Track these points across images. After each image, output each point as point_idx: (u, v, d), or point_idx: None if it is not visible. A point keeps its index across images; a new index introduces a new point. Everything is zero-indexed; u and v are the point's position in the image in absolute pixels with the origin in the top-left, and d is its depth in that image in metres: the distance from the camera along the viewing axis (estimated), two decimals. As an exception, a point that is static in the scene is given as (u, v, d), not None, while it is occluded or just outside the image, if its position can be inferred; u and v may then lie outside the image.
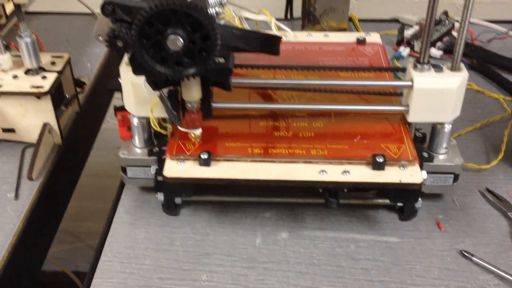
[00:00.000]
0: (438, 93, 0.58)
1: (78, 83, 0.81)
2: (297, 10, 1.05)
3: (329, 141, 0.60)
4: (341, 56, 0.73)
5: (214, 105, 0.60)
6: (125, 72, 0.58)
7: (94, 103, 0.86)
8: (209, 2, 0.52)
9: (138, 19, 0.48)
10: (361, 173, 0.57)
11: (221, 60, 0.55)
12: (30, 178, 0.69)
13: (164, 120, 0.62)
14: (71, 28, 1.02)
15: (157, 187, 0.62)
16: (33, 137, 0.73)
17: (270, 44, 0.63)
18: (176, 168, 0.58)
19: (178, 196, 0.63)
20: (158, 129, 0.60)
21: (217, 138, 0.61)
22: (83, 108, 0.82)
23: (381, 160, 0.57)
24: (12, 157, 0.73)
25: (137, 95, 0.59)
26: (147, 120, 0.62)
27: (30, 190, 0.69)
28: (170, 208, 0.65)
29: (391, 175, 0.57)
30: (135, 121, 0.63)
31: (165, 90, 0.57)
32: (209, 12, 0.49)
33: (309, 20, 0.93)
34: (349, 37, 0.77)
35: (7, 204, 0.66)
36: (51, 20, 1.04)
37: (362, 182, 0.57)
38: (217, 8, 0.51)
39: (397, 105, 0.63)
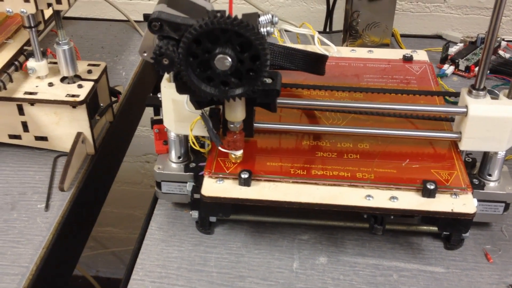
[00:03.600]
0: (494, 121, 0.55)
1: (113, 92, 0.79)
2: (337, 23, 1.02)
3: (376, 164, 0.57)
4: (387, 74, 0.70)
5: (256, 125, 0.57)
6: (166, 89, 0.56)
7: (128, 113, 0.84)
8: (260, 21, 0.49)
9: (187, 37, 0.46)
10: (410, 200, 0.54)
11: (269, 80, 0.52)
12: (61, 188, 0.67)
13: (202, 136, 0.60)
14: (106, 35, 1.01)
15: (193, 204, 0.60)
16: (66, 146, 0.71)
17: (316, 63, 0.61)
18: (215, 187, 0.56)
19: (215, 215, 0.60)
20: (197, 148, 0.58)
21: (257, 157, 0.58)
22: (117, 117, 0.80)
23: (432, 187, 0.54)
24: (44, 166, 0.72)
25: (177, 112, 0.57)
26: (185, 134, 0.60)
27: (61, 201, 0.67)
28: (205, 226, 0.62)
29: (443, 203, 0.54)
30: (172, 136, 0.61)
31: (206, 108, 0.55)
32: (260, 31, 0.47)
33: (351, 34, 0.90)
34: (395, 54, 0.74)
35: (37, 215, 0.65)
36: (86, 26, 1.03)
37: (411, 210, 0.53)
38: (268, 28, 0.49)
39: (448, 131, 0.60)
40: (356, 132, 0.59)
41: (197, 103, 0.53)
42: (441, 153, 0.59)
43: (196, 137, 0.60)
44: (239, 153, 0.56)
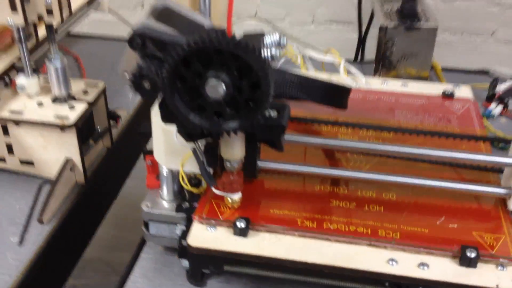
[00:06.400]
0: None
1: (113, 116, 0.71)
2: (370, 52, 0.93)
3: (404, 220, 0.47)
4: (423, 112, 0.60)
5: (260, 164, 0.48)
6: (157, 116, 0.47)
7: (130, 140, 0.76)
8: (265, 41, 0.40)
9: (172, 57, 0.37)
10: (444, 269, 0.43)
11: (273, 113, 0.43)
12: (40, 221, 0.59)
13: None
14: (118, 55, 0.93)
15: (181, 252, 0.51)
16: (53, 172, 0.63)
17: (337, 96, 0.51)
18: (205, 236, 0.46)
19: (204, 268, 0.51)
20: (188, 187, 0.49)
21: (258, 202, 0.49)
22: (116, 144, 0.72)
23: (473, 254, 0.43)
24: (27, 194, 0.64)
25: (168, 144, 0.48)
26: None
27: (38, 235, 0.59)
28: (195, 277, 0.52)
29: (485, 276, 0.43)
30: (164, 170, 0.52)
31: (201, 142, 0.46)
32: (262, 54, 0.38)
33: (384, 65, 0.81)
34: (433, 88, 0.64)
35: (8, 250, 0.57)
36: (97, 45, 0.97)
37: (445, 282, 0.43)
38: (273, 50, 0.39)
39: (495, 186, 0.49)
40: (381, 179, 0.49)
41: (187, 135, 0.44)
42: (485, 211, 0.48)
43: (191, 177, 0.51)
44: (237, 196, 0.47)
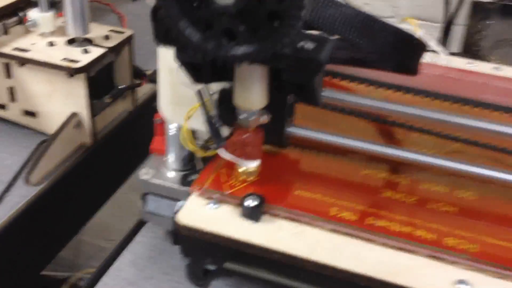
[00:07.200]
0: None
1: (139, 74, 0.61)
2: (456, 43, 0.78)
3: (485, 229, 0.33)
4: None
5: (291, 130, 0.35)
6: (162, 54, 0.36)
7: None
8: None
9: None
10: (543, 308, 0.29)
11: (308, 45, 0.30)
12: (27, 180, 0.49)
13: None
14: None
15: (176, 236, 0.39)
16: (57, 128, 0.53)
17: (405, 50, 0.37)
18: (202, 213, 0.34)
19: (200, 260, 0.38)
20: (190, 146, 0.37)
21: (281, 178, 0.36)
22: (140, 108, 0.61)
23: None
24: (24, 150, 0.54)
25: (174, 90, 0.36)
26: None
27: (22, 197, 0.49)
28: (196, 274, 0.40)
29: None
30: (171, 129, 0.40)
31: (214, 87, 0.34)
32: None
33: (472, 54, 0.66)
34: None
35: (-19, 210, 0.47)
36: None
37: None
38: None
39: None
40: (458, 168, 0.35)
41: (193, 70, 0.32)
42: None
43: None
44: (252, 165, 0.34)
